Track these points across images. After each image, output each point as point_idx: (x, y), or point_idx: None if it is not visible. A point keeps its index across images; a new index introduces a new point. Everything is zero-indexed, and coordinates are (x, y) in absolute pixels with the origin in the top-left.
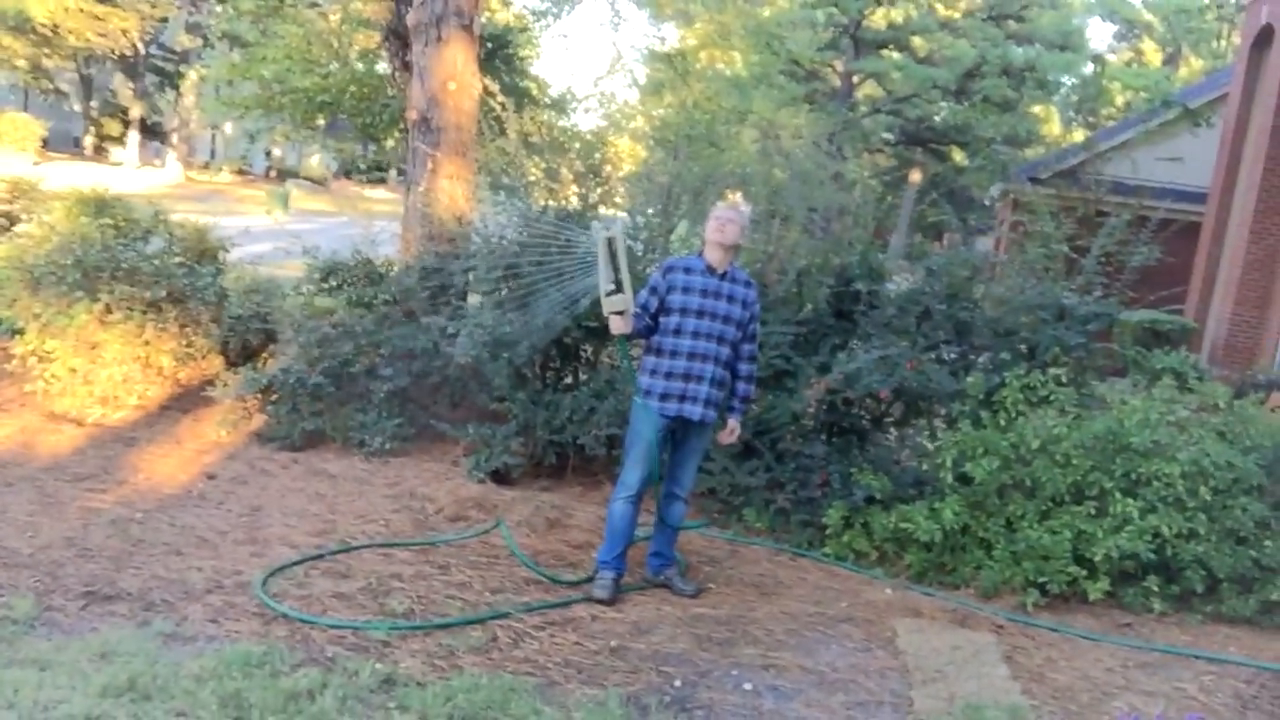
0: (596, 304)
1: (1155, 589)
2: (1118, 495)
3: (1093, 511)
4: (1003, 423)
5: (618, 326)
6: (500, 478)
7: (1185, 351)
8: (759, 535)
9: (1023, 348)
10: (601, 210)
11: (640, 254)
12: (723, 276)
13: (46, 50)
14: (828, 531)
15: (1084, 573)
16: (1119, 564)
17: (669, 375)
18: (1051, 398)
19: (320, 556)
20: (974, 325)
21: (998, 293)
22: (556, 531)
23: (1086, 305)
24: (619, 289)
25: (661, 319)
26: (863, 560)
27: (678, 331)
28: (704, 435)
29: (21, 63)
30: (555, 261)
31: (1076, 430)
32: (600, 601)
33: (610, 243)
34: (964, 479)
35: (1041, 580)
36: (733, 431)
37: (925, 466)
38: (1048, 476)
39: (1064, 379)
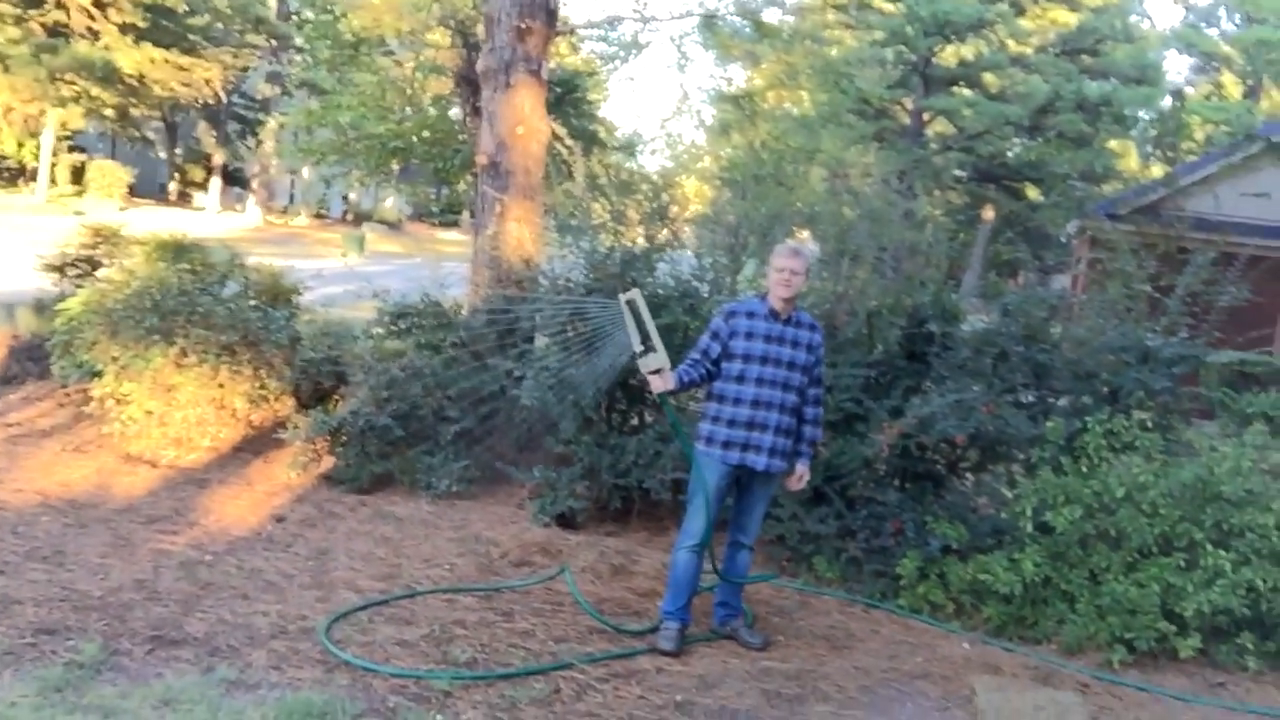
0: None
1: (1250, 646)
2: (1208, 547)
3: (1182, 564)
4: (1085, 469)
5: (658, 385)
6: (565, 522)
7: (1277, 394)
8: (830, 585)
9: (1105, 391)
10: (669, 252)
11: (706, 295)
12: (787, 321)
13: (133, 100)
14: (902, 582)
15: (1174, 629)
16: (1211, 620)
17: (731, 423)
18: (1136, 443)
19: (385, 602)
20: (1053, 367)
21: (1077, 334)
22: (621, 578)
23: (1172, 347)
24: (650, 348)
25: (724, 364)
26: (939, 613)
27: (740, 378)
28: (770, 483)
29: (110, 112)
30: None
31: (1164, 478)
32: (665, 653)
33: (631, 304)
34: (1045, 528)
35: (1128, 636)
36: (801, 477)
37: (1004, 515)
38: (1134, 527)
39: (1149, 424)
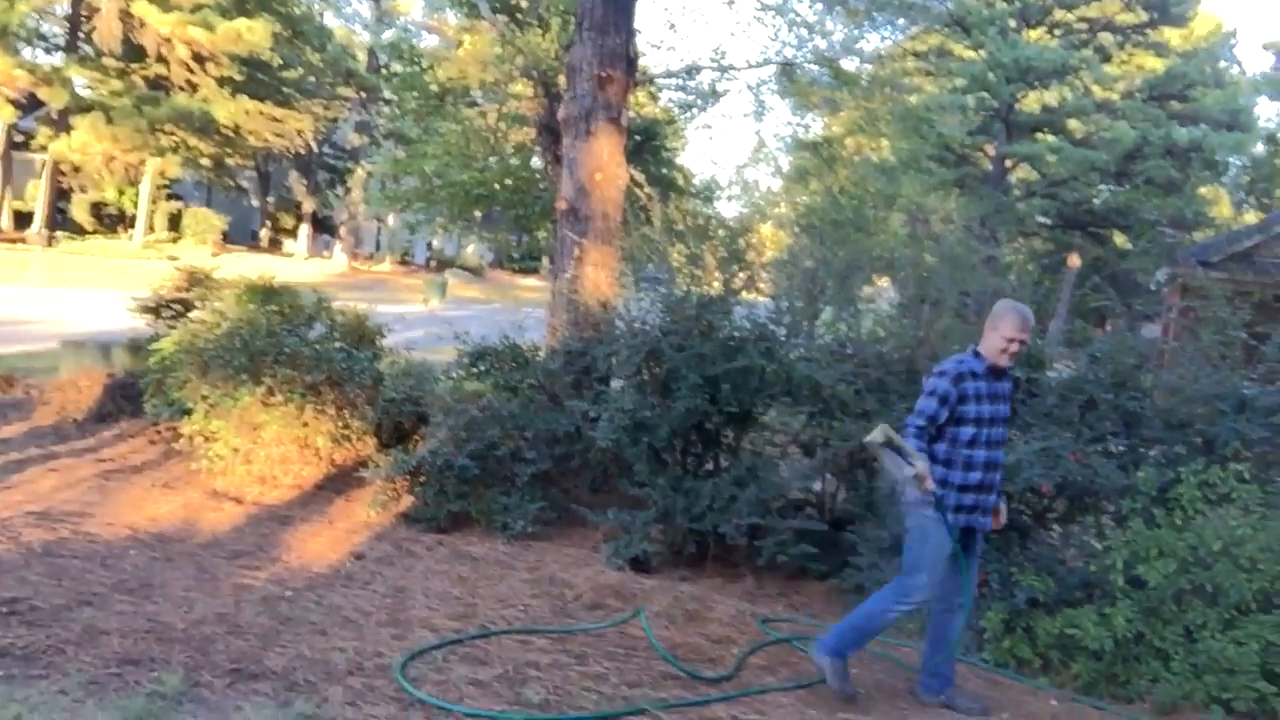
0: (737, 389)
1: None
2: None
3: None
4: (1179, 522)
5: (928, 488)
6: (639, 565)
7: None
8: (911, 638)
9: (1199, 441)
10: (744, 295)
11: (783, 339)
12: (999, 377)
13: (229, 150)
14: (986, 636)
15: (1274, 689)
16: None
17: (963, 487)
18: (1233, 495)
19: (459, 641)
20: (1144, 416)
21: (1169, 382)
22: (695, 624)
23: (1269, 395)
24: (912, 465)
25: (952, 429)
26: (1025, 668)
27: (973, 442)
28: (984, 537)
29: (206, 161)
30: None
31: (1262, 531)
32: (850, 697)
33: (886, 437)
34: (1137, 582)
35: (1226, 696)
36: (1000, 512)
37: (1093, 568)
38: (1231, 582)
39: (1246, 475)
